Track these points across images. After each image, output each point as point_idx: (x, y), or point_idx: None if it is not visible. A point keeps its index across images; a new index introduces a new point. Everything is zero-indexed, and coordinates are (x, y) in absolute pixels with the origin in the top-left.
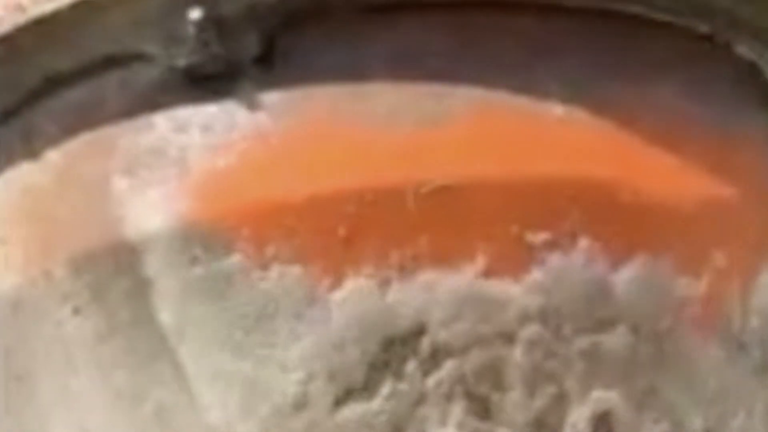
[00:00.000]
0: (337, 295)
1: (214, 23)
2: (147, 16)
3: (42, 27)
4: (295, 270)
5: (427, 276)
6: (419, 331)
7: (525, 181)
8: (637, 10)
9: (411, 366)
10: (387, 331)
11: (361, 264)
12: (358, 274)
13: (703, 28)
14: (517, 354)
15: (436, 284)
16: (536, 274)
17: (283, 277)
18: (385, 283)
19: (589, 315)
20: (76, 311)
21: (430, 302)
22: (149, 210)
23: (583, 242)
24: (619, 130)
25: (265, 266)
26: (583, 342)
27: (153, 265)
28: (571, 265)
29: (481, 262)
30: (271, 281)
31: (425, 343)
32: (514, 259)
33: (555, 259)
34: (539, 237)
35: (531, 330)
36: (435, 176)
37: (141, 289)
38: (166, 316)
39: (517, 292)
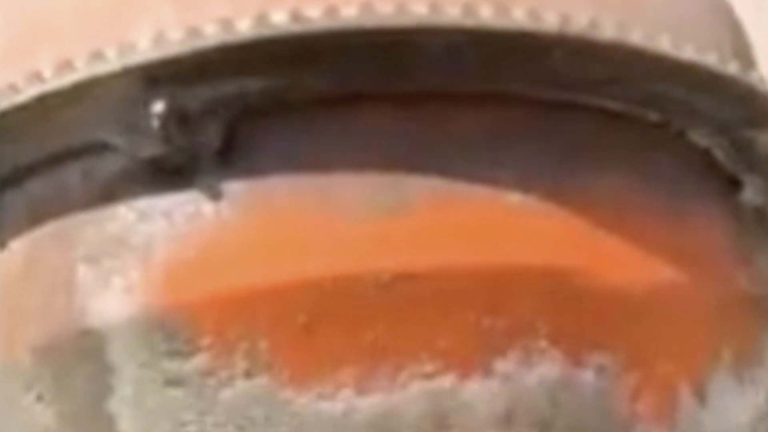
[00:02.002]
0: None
1: (176, 115)
2: (109, 108)
3: (5, 119)
4: (256, 364)
5: (387, 366)
6: None
7: (483, 269)
8: (591, 100)
9: None
10: None
11: (321, 354)
12: (317, 365)
13: (656, 116)
14: None
15: (396, 376)
16: (495, 369)
17: (244, 375)
18: (343, 379)
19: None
20: (40, 398)
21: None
22: (113, 299)
23: (542, 331)
24: (575, 217)
25: (226, 359)
26: None
27: (115, 355)
28: (530, 361)
29: (439, 351)
30: (233, 380)
31: None
32: (472, 350)
33: (515, 352)
34: (498, 325)
35: None
36: (395, 264)
37: (103, 377)
38: (123, 410)
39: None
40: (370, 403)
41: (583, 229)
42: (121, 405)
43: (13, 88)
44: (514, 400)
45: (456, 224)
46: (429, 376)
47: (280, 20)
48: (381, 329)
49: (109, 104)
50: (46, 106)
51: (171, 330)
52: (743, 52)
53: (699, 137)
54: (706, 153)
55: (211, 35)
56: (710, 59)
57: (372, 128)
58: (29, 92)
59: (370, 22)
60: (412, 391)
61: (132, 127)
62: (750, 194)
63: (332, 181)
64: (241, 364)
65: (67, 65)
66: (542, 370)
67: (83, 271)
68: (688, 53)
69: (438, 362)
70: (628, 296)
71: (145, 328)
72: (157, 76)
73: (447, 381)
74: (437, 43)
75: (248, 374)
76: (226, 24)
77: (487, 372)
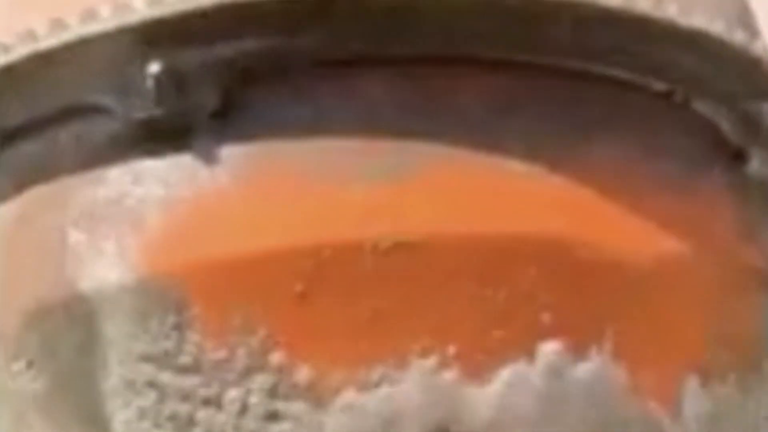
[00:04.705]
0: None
1: (172, 77)
2: (103, 69)
3: None
4: (251, 333)
5: (384, 336)
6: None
7: (484, 238)
8: (597, 68)
9: None
10: None
11: (317, 322)
12: (313, 334)
13: (661, 85)
14: None
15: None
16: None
17: (236, 341)
18: (339, 349)
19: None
20: (30, 365)
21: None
22: (105, 264)
23: (544, 303)
24: (578, 185)
25: (219, 325)
26: None
27: (107, 320)
28: (531, 334)
29: (438, 321)
30: (224, 345)
31: None
32: (471, 321)
33: (516, 324)
34: (498, 296)
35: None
36: (394, 232)
37: (93, 344)
38: (113, 377)
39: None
40: (367, 372)
41: (586, 197)
42: (110, 372)
43: (4, 48)
44: (515, 375)
45: (457, 191)
46: (426, 348)
47: None
48: (379, 298)
49: (102, 65)
50: (38, 65)
51: (163, 296)
52: (748, 22)
53: (704, 108)
54: (712, 124)
55: None
56: (718, 28)
57: (372, 93)
58: (21, 51)
59: None
60: (409, 362)
61: (126, 89)
62: (756, 167)
63: (331, 147)
64: (235, 332)
65: (59, 24)
66: (544, 344)
67: (74, 235)
68: (696, 21)
69: (436, 333)
70: (632, 267)
71: (137, 293)
72: (153, 36)
73: (444, 352)
74: (439, 7)
75: (242, 343)
76: None
77: (486, 344)
